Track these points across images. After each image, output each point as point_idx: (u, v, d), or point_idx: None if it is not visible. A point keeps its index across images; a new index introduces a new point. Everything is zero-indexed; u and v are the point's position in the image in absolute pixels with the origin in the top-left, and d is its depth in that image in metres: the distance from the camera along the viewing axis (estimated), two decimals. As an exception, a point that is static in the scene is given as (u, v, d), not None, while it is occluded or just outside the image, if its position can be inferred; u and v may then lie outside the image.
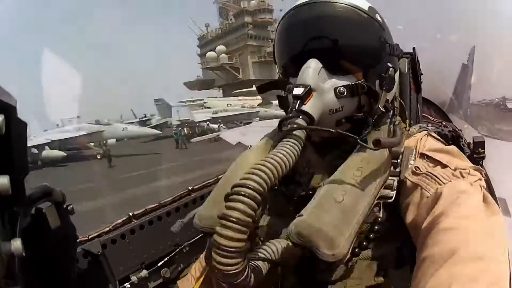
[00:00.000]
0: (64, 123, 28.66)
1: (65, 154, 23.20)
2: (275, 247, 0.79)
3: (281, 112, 1.02)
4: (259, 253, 0.78)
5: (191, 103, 38.27)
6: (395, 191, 0.86)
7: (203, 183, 1.94)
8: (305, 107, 0.83)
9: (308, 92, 0.84)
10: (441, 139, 1.01)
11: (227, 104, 38.58)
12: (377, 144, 0.77)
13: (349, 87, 0.88)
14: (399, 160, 0.90)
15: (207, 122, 31.67)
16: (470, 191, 0.76)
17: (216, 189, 0.93)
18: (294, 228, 0.74)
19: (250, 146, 1.18)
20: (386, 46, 0.93)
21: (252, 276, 0.73)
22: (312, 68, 0.85)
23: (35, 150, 21.55)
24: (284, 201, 0.96)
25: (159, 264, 1.74)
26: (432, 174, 0.81)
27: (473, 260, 0.62)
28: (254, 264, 0.76)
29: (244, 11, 57.58)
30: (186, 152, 23.37)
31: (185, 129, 30.68)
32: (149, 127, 31.98)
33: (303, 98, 0.83)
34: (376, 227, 0.84)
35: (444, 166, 0.83)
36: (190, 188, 1.90)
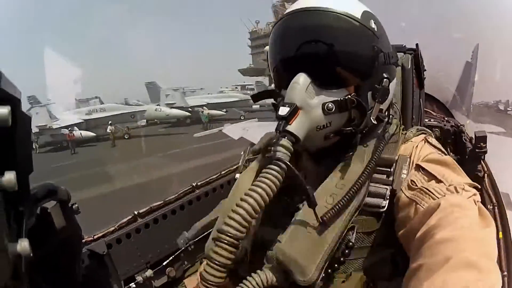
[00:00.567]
0: (79, 105, 29.10)
1: (95, 134, 23.98)
2: (259, 279, 0.81)
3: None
4: (246, 285, 0.80)
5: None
6: (387, 200, 0.86)
7: (206, 180, 1.94)
8: (290, 127, 0.82)
9: (294, 111, 0.83)
10: (438, 144, 1.00)
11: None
12: (321, 219, 0.81)
13: (338, 103, 0.86)
14: (392, 169, 0.90)
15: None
16: (465, 204, 0.76)
17: (215, 213, 1.04)
18: (274, 253, 0.83)
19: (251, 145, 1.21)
20: (380, 55, 0.89)
21: None
22: (300, 85, 0.84)
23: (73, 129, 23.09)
24: (280, 212, 0.97)
25: (164, 263, 1.74)
26: (426, 189, 0.81)
27: (468, 269, 0.63)
28: None
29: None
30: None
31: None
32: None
33: (287, 119, 0.83)
34: (346, 251, 0.84)
35: (439, 181, 0.83)
36: (194, 184, 1.90)
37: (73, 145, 21.82)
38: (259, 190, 0.76)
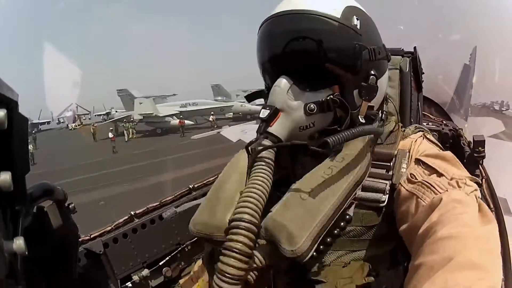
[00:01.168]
0: (158, 100, 33.78)
1: (192, 122, 29.36)
2: (259, 254, 0.76)
3: (256, 107, 1.04)
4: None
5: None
6: (387, 195, 0.86)
7: (203, 182, 1.94)
8: (271, 129, 0.83)
9: (275, 113, 0.84)
10: (436, 141, 1.00)
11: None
12: (325, 144, 0.77)
13: (320, 104, 0.85)
14: (391, 164, 0.90)
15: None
16: (467, 201, 0.76)
17: (211, 192, 0.92)
18: (263, 224, 0.76)
19: None
20: (364, 52, 0.87)
21: None
22: (280, 88, 0.85)
23: (169, 119, 29.59)
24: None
25: (160, 263, 1.74)
26: (428, 182, 0.81)
27: (469, 268, 0.62)
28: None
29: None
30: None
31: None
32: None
33: (268, 121, 0.84)
34: (341, 223, 0.80)
35: (440, 174, 0.82)
36: (190, 186, 1.90)
37: (183, 130, 27.36)
38: (260, 178, 0.77)
